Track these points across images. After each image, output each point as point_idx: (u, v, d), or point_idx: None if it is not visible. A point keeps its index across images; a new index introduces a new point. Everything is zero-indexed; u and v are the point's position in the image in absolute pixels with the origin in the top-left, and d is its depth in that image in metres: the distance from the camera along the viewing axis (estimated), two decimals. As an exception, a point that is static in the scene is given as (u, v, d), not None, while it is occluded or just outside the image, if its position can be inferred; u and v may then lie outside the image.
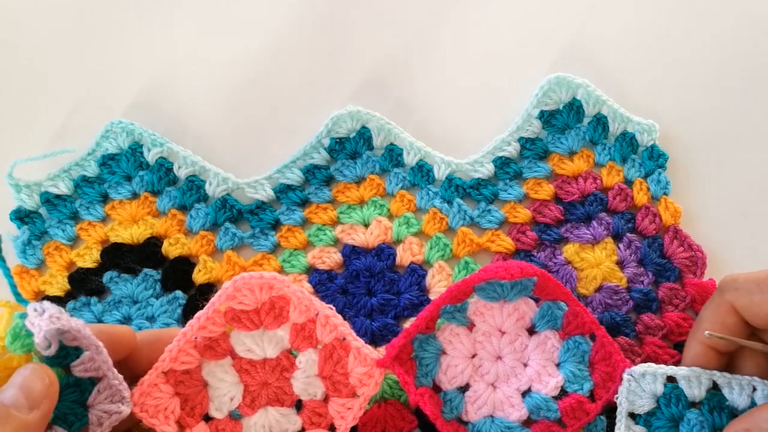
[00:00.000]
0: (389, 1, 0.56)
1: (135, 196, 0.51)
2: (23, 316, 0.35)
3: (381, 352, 0.47)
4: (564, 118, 0.53)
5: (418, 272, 0.49)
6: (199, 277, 0.49)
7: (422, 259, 0.50)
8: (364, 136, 0.52)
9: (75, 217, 0.50)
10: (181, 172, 0.51)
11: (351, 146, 0.52)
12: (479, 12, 0.56)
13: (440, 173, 0.51)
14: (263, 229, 0.50)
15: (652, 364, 0.42)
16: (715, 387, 0.42)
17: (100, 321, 0.47)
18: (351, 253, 0.50)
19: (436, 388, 0.45)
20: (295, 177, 0.51)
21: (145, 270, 0.49)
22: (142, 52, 0.55)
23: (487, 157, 0.52)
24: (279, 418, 0.43)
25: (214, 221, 0.50)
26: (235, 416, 0.43)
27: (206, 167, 0.51)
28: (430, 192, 0.51)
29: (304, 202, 0.51)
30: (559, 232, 0.51)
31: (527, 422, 0.43)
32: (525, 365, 0.45)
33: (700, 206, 0.51)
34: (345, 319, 0.48)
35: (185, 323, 0.47)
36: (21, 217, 0.50)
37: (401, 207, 0.51)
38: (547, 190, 0.51)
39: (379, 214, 0.51)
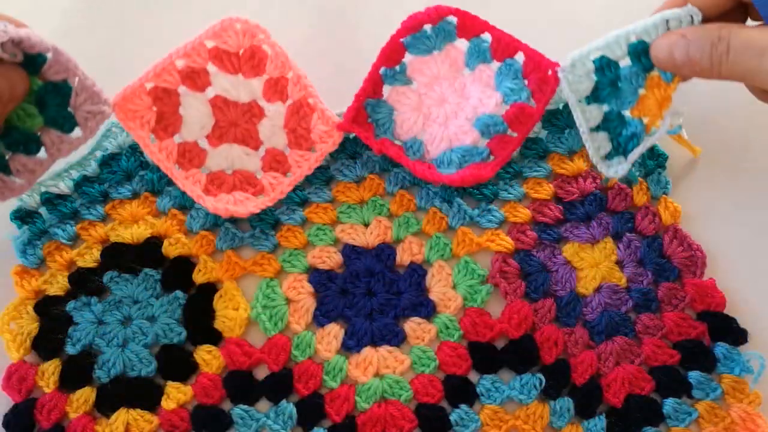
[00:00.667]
0: (390, 0, 0.56)
1: (135, 195, 0.51)
2: None
3: (380, 351, 0.47)
4: (564, 118, 0.53)
5: (418, 272, 0.49)
6: (199, 277, 0.49)
7: (422, 259, 0.50)
8: (364, 135, 0.52)
9: (75, 216, 0.50)
10: (182, 172, 0.51)
11: (351, 146, 0.52)
12: (479, 12, 0.56)
13: (440, 173, 0.51)
14: (263, 229, 0.50)
15: (575, 51, 0.45)
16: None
17: (101, 322, 0.47)
18: (351, 252, 0.50)
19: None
20: (295, 177, 0.51)
21: (146, 270, 0.49)
22: (142, 52, 0.54)
23: (488, 157, 0.52)
24: (242, 155, 0.48)
25: (215, 221, 0.50)
26: (201, 146, 0.48)
27: (206, 167, 0.51)
28: (429, 192, 0.51)
29: (304, 202, 0.51)
30: (558, 232, 0.51)
31: (483, 141, 0.49)
32: (468, 100, 0.49)
33: (700, 206, 0.51)
34: (346, 319, 0.48)
35: (186, 323, 0.48)
36: (21, 216, 0.50)
37: (401, 207, 0.51)
38: (547, 190, 0.51)
39: (379, 214, 0.51)
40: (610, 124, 0.47)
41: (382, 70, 0.49)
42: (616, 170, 0.47)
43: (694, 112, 0.53)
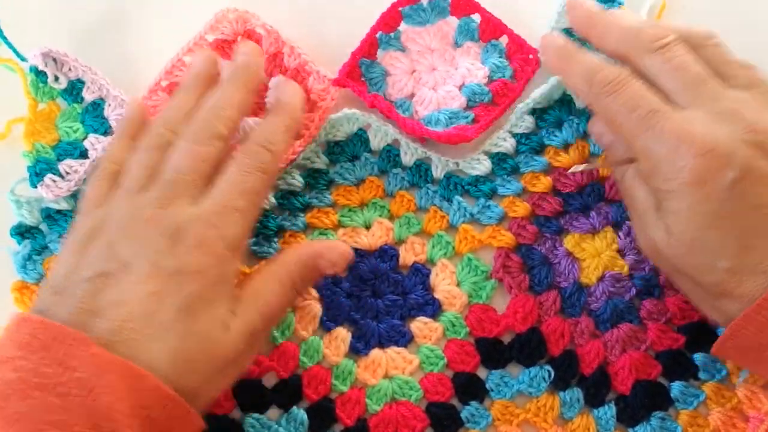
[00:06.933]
0: None
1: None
2: (32, 68, 0.50)
3: (388, 353, 0.47)
4: (556, 113, 0.53)
5: (422, 271, 0.50)
6: (203, 287, 0.49)
7: (425, 258, 0.50)
8: (361, 138, 0.52)
9: (75, 233, 0.50)
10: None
11: (350, 149, 0.52)
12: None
13: (438, 172, 0.51)
14: (266, 236, 0.50)
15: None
16: None
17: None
18: (354, 256, 0.50)
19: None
20: (296, 182, 0.51)
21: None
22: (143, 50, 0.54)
23: (484, 154, 0.52)
24: (254, 126, 0.48)
25: (216, 230, 0.50)
26: None
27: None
28: (429, 191, 0.51)
29: (306, 207, 0.51)
30: (558, 224, 0.51)
31: (467, 108, 0.52)
32: (457, 69, 0.53)
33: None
34: (352, 322, 0.49)
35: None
36: (21, 232, 0.49)
37: (401, 207, 0.51)
38: (544, 183, 0.51)
39: (380, 216, 0.51)
40: None
41: (378, 34, 0.53)
42: None
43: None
